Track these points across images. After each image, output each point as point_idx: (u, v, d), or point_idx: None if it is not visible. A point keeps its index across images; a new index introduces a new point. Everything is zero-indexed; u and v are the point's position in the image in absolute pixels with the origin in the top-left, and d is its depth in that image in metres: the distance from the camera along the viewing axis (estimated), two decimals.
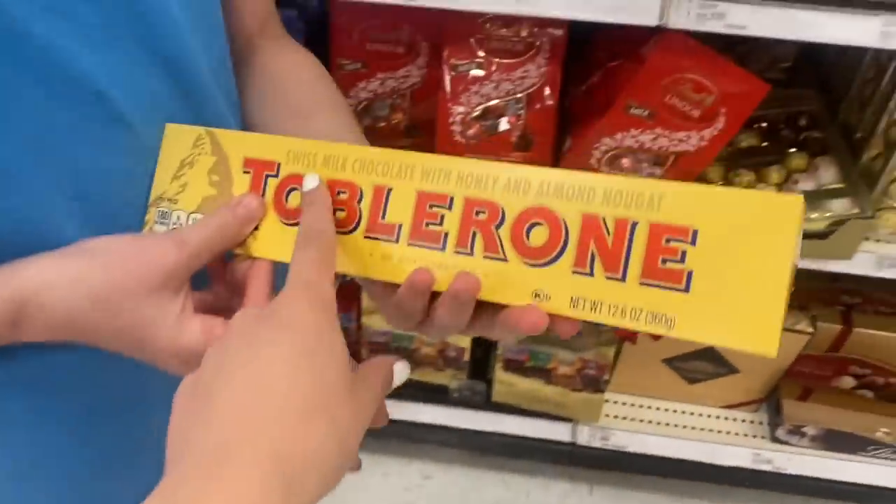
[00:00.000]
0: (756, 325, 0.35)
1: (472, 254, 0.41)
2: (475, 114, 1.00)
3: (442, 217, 0.42)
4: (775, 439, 1.30)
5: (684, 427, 1.32)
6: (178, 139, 0.48)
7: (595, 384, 1.27)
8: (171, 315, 0.41)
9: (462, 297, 0.40)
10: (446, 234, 0.41)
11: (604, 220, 0.38)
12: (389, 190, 0.43)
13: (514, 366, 1.30)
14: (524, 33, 0.97)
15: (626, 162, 1.01)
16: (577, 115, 1.06)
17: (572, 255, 0.39)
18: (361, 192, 0.43)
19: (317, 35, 1.07)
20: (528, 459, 1.45)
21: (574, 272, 0.39)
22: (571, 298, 0.39)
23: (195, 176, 0.47)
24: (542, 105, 1.00)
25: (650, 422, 1.33)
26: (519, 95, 1.00)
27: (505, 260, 0.40)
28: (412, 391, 1.36)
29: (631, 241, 0.38)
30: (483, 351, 1.34)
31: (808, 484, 1.34)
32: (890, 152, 0.99)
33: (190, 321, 0.42)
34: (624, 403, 1.35)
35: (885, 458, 1.28)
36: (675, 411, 1.35)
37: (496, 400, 1.35)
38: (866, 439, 1.26)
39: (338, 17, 1.03)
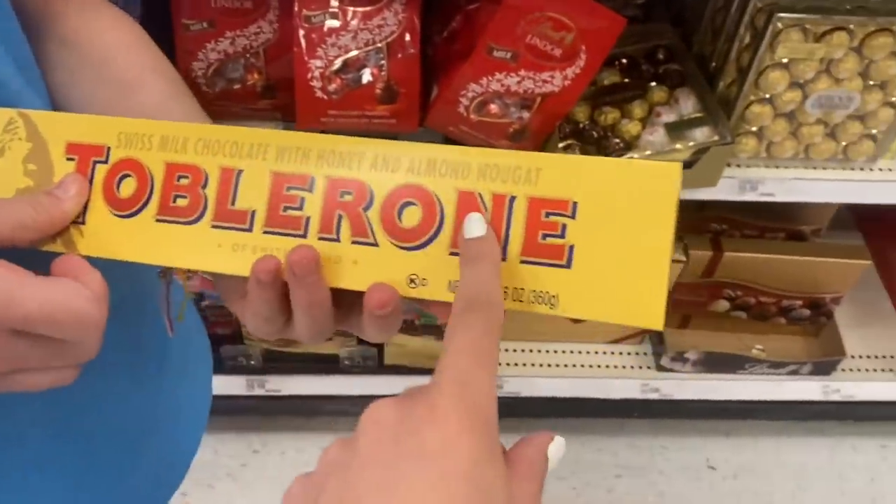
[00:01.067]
0: (640, 299, 0.34)
1: (338, 240, 0.37)
2: (335, 67, 0.95)
3: (302, 200, 0.37)
4: (660, 368, 1.35)
5: (574, 366, 1.35)
6: None
7: None
8: None
9: (298, 271, 0.35)
10: (308, 219, 0.37)
11: (480, 196, 0.36)
12: (239, 172, 0.38)
13: (403, 326, 1.28)
14: None
15: (493, 107, 1.00)
16: (442, 62, 1.04)
17: (449, 235, 0.36)
18: (206, 175, 0.38)
19: None
20: None
21: (452, 253, 0.36)
22: (450, 282, 0.36)
23: (7, 165, 0.41)
24: (403, 54, 0.97)
25: (541, 365, 1.35)
26: (379, 45, 0.96)
27: (376, 245, 0.37)
28: (301, 364, 1.32)
29: (510, 217, 0.36)
30: None
31: (694, 406, 1.40)
32: (743, 78, 1.02)
33: None
34: (514, 350, 1.36)
35: (762, 374, 1.35)
36: (563, 352, 1.37)
37: (388, 363, 1.33)
38: (743, 358, 1.33)
39: None
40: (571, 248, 0.35)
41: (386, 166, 0.37)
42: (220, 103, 1.05)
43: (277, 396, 1.35)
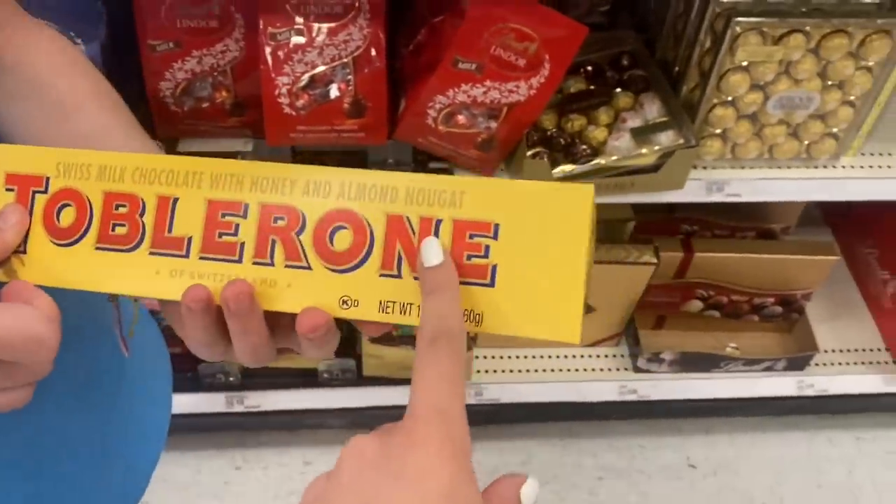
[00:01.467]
0: (557, 315, 0.36)
1: (272, 264, 0.39)
2: (302, 83, 0.96)
3: (237, 226, 0.39)
4: (637, 369, 1.36)
5: (552, 371, 1.36)
6: None
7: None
8: None
9: (233, 306, 0.37)
10: (243, 245, 0.39)
11: (408, 219, 0.38)
12: (175, 200, 0.40)
13: (382, 337, 1.28)
14: None
15: (461, 118, 1.01)
16: (409, 75, 1.05)
17: (378, 257, 0.38)
18: (143, 204, 0.40)
19: (121, 18, 0.99)
20: None
21: (381, 275, 0.38)
22: (380, 303, 0.38)
23: None
24: (370, 68, 0.98)
25: (519, 371, 1.36)
26: (345, 60, 0.97)
27: (309, 268, 0.38)
28: (280, 379, 1.33)
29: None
30: (348, 328, 1.31)
31: (672, 406, 1.42)
32: (705, 82, 1.03)
33: None
34: (493, 357, 1.37)
35: (737, 371, 1.37)
36: (541, 357, 1.38)
37: (367, 374, 1.34)
38: (718, 356, 1.35)
39: None
40: (494, 267, 0.37)
41: (317, 192, 0.38)
42: (189, 122, 1.05)
43: (258, 412, 1.35)
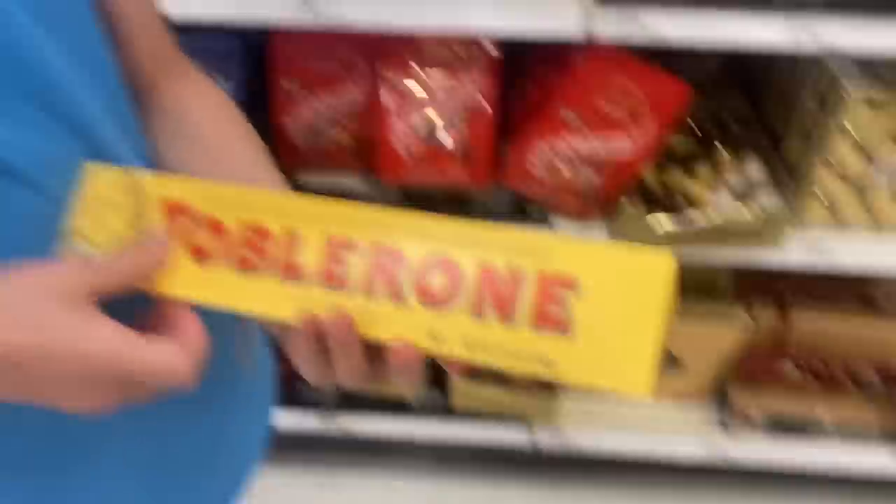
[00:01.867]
0: (630, 370, 0.40)
1: (375, 296, 0.44)
2: (415, 128, 1.03)
3: (350, 262, 0.44)
4: (725, 428, 1.34)
5: (637, 424, 1.36)
6: (96, 179, 0.48)
7: (551, 385, 1.30)
8: (73, 319, 0.40)
9: (336, 334, 0.43)
10: (353, 278, 0.44)
11: (498, 269, 0.42)
12: (300, 234, 0.46)
13: (470, 372, 1.32)
14: (459, 49, 1.00)
15: (563, 168, 1.05)
16: (515, 125, 1.10)
17: (469, 300, 0.42)
18: (273, 235, 0.46)
19: (256, 59, 1.09)
20: (489, 465, 1.48)
21: (469, 317, 0.42)
22: (465, 342, 0.42)
23: (112, 216, 0.48)
24: (480, 118, 1.04)
25: (604, 421, 1.36)
26: (457, 109, 1.03)
27: (406, 303, 0.44)
28: (370, 405, 1.38)
29: (522, 288, 0.42)
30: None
31: (759, 470, 1.39)
32: (809, 145, 1.04)
33: (99, 324, 0.40)
34: (580, 402, 1.38)
35: (830, 441, 1.33)
36: (627, 407, 1.38)
37: (455, 408, 1.37)
38: (810, 423, 1.32)
39: (278, 42, 1.06)
40: (573, 320, 0.41)
41: (421, 238, 0.44)
42: (310, 158, 1.13)
43: (347, 434, 1.41)
